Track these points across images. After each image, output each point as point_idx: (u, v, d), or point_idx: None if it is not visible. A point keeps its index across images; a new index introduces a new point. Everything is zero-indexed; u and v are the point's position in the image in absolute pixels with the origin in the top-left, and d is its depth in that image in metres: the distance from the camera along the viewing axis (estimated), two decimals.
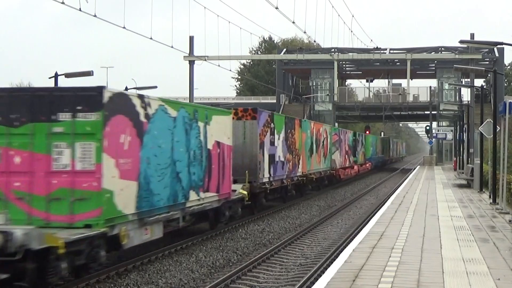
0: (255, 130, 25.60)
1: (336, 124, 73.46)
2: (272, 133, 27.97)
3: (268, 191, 27.41)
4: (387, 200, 28.20)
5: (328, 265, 14.39)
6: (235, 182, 23.10)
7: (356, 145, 55.85)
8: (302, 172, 33.95)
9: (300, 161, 33.37)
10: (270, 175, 27.44)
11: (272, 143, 27.78)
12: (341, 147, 47.43)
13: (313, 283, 12.52)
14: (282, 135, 29.82)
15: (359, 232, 17.85)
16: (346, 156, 50.31)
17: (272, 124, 27.93)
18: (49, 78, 30.93)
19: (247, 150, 25.33)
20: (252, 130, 25.53)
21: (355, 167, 54.45)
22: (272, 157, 27.69)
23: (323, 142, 40.40)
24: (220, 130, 20.66)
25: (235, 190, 22.43)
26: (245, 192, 23.18)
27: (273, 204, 30.46)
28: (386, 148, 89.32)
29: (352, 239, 17.94)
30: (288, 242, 20.34)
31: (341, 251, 16.22)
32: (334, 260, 13.27)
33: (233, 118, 23.47)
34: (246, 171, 24.48)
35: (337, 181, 46.17)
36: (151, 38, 30.14)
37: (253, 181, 24.96)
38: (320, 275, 13.59)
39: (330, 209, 31.50)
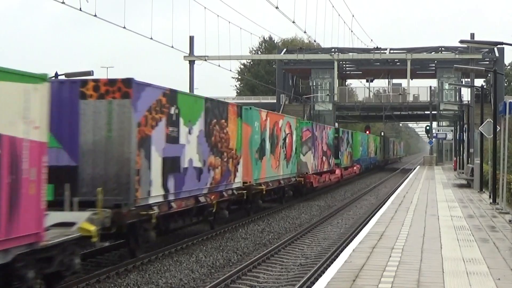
0: (129, 116, 15.56)
1: (336, 124, 73.42)
2: (174, 123, 17.75)
3: (159, 218, 16.72)
4: (387, 200, 28.20)
5: (328, 265, 14.39)
6: (90, 205, 14.28)
7: (339, 144, 46.34)
8: (247, 182, 24.32)
9: (240, 167, 23.45)
10: (167, 191, 17.22)
11: (172, 139, 17.68)
12: (315, 146, 37.34)
13: (313, 283, 12.52)
14: (199, 127, 19.50)
15: (359, 232, 17.84)
16: (324, 158, 40.36)
17: (173, 108, 17.74)
18: (49, 78, 30.82)
19: (113, 151, 15.54)
20: (122, 116, 15.57)
21: (337, 171, 44.36)
22: (172, 161, 17.61)
23: (284, 139, 30.70)
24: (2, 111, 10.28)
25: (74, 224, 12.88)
26: (92, 228, 13.16)
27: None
28: (381, 148, 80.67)
29: (352, 239, 17.94)
30: (288, 242, 20.34)
31: (341, 251, 16.21)
32: (334, 260, 13.27)
33: (91, 95, 15.58)
34: (100, 189, 14.45)
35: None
36: (151, 38, 30.16)
37: (122, 204, 15.15)
38: (320, 275, 13.59)
39: (330, 209, 31.49)
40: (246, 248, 19.29)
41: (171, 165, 17.56)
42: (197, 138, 19.43)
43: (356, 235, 17.81)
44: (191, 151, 18.99)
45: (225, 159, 21.84)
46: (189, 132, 18.88)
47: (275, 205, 30.21)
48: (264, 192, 26.47)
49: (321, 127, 40.64)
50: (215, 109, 21.10)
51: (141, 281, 14.49)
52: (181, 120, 18.32)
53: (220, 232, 21.53)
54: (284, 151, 30.61)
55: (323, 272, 14.26)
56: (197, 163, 19.39)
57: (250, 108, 25.83)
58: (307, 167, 35.03)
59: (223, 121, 21.80)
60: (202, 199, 19.70)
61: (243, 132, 24.07)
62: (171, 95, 17.75)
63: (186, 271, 15.72)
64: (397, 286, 10.04)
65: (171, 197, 17.54)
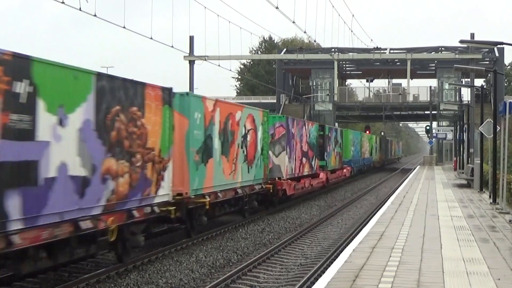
0: None
1: (336, 124, 73.38)
2: (24, 109, 11.59)
3: None
4: (387, 200, 28.20)
5: (328, 265, 14.40)
6: None
7: (325, 144, 39.62)
8: (182, 194, 18.34)
9: (168, 173, 16.97)
10: (3, 217, 11.03)
11: (19, 133, 11.48)
12: (291, 146, 30.83)
13: (313, 283, 12.52)
14: (83, 116, 13.20)
15: (359, 232, 17.85)
16: (304, 159, 33.84)
17: (21, 84, 11.53)
18: None
19: None
20: None
21: (321, 175, 37.63)
22: (18, 168, 11.46)
23: (244, 137, 24.12)
24: None
25: None
26: None
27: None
28: (377, 148, 74.80)
29: (352, 239, 17.95)
30: (288, 242, 20.34)
31: (341, 251, 16.22)
32: (334, 260, 13.27)
33: None
34: None
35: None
36: (151, 38, 30.18)
37: None
38: (320, 275, 13.60)
39: (330, 209, 31.48)
40: (246, 248, 19.29)
41: (16, 175, 11.33)
42: (78, 132, 13.06)
43: (356, 235, 17.81)
44: (65, 152, 12.70)
45: (138, 164, 15.36)
46: (60, 123, 12.59)
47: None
48: (207, 206, 19.88)
49: (300, 123, 33.63)
50: (117, 91, 14.55)
51: (141, 281, 14.49)
52: (41, 104, 12.00)
53: (220, 232, 21.53)
54: (244, 151, 24.02)
55: (323, 272, 14.26)
56: (78, 170, 13.00)
57: (187, 93, 19.48)
58: (280, 171, 29.07)
59: (135, 109, 15.29)
60: (86, 224, 13.15)
61: (176, 126, 17.97)
62: (17, 64, 11.41)
63: (186, 271, 15.72)
64: (397, 286, 10.04)
65: (14, 226, 11.19)
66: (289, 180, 29.77)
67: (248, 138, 24.67)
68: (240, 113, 23.71)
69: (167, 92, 17.14)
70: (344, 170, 47.27)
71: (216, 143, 21.27)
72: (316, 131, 38.02)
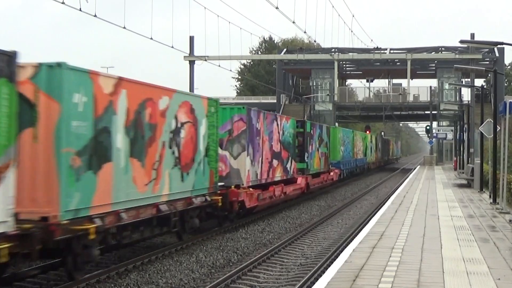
0: None
1: (337, 124, 73.38)
2: None
3: None
4: (387, 200, 28.20)
5: (329, 265, 14.40)
6: None
7: (305, 143, 33.39)
8: (48, 218, 12.30)
9: (4, 189, 10.65)
10: None
11: None
12: (254, 144, 24.60)
13: (313, 283, 12.52)
14: None
15: (359, 232, 17.85)
16: (275, 162, 27.72)
17: None
18: None
19: None
20: None
21: (299, 180, 31.50)
22: None
23: (174, 133, 17.60)
24: None
25: None
26: None
27: None
28: (372, 147, 69.05)
29: (352, 239, 17.95)
30: (289, 242, 20.34)
31: (341, 251, 16.22)
32: (335, 260, 13.28)
33: None
34: None
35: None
36: (151, 38, 30.17)
37: None
38: (320, 275, 13.60)
39: (330, 209, 31.48)
40: (246, 248, 19.29)
41: None
42: None
43: (356, 235, 17.81)
44: None
45: None
46: None
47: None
48: (91, 236, 13.21)
49: (268, 117, 26.97)
50: None
51: (141, 281, 14.49)
52: None
53: (220, 232, 21.52)
54: (174, 152, 17.63)
55: (323, 272, 14.26)
56: None
57: (59, 64, 12.82)
58: (239, 176, 23.10)
59: None
60: None
61: (41, 113, 12.54)
62: None
63: (186, 271, 15.72)
64: (397, 286, 10.04)
65: None
66: (250, 189, 23.60)
67: (182, 134, 18.21)
68: (167, 99, 17.11)
69: (6, 59, 10.69)
70: (331, 173, 40.90)
71: (120, 141, 14.70)
72: (293, 128, 31.63)
